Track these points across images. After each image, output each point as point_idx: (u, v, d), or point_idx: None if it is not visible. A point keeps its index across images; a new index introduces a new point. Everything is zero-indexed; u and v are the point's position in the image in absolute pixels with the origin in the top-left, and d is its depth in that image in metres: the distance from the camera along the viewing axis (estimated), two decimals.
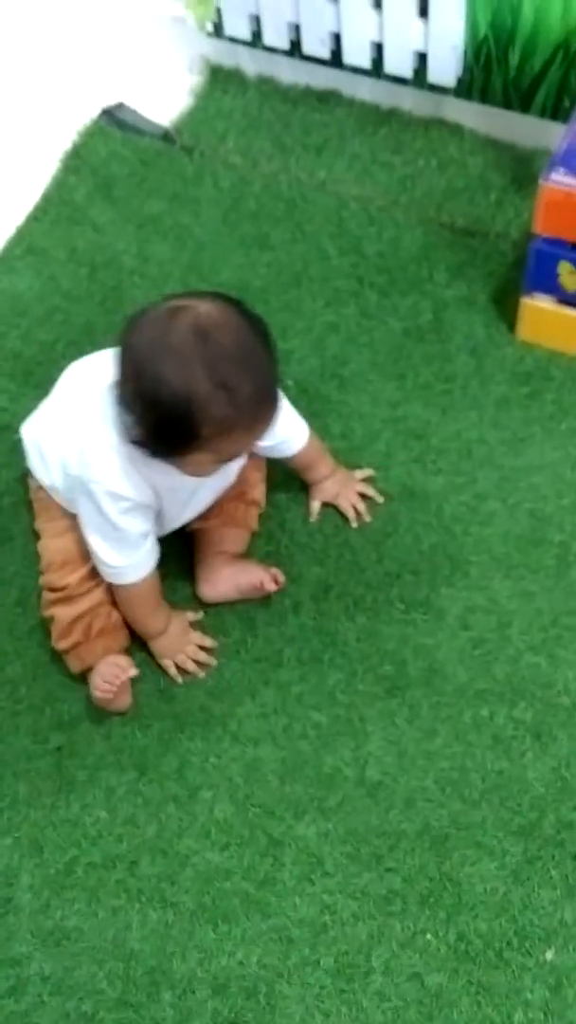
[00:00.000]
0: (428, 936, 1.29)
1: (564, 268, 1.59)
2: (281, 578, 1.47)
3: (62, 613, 1.42)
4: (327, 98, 2.04)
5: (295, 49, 2.00)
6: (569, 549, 1.54)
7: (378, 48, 1.92)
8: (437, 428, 1.66)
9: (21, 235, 1.91)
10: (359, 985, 1.26)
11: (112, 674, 1.38)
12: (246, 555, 1.53)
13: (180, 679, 1.46)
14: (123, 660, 1.40)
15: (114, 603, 1.44)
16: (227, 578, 1.49)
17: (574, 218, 1.53)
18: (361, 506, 1.57)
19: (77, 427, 1.36)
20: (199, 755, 1.41)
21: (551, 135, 1.85)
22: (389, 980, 1.26)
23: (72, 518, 1.44)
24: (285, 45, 2.00)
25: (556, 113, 1.88)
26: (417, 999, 1.25)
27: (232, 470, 1.45)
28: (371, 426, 1.66)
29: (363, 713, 1.43)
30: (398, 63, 1.91)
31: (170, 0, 2.03)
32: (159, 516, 1.40)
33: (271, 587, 1.46)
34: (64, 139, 2.03)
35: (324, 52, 1.97)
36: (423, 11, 1.82)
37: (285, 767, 1.40)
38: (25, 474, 1.56)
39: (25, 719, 1.45)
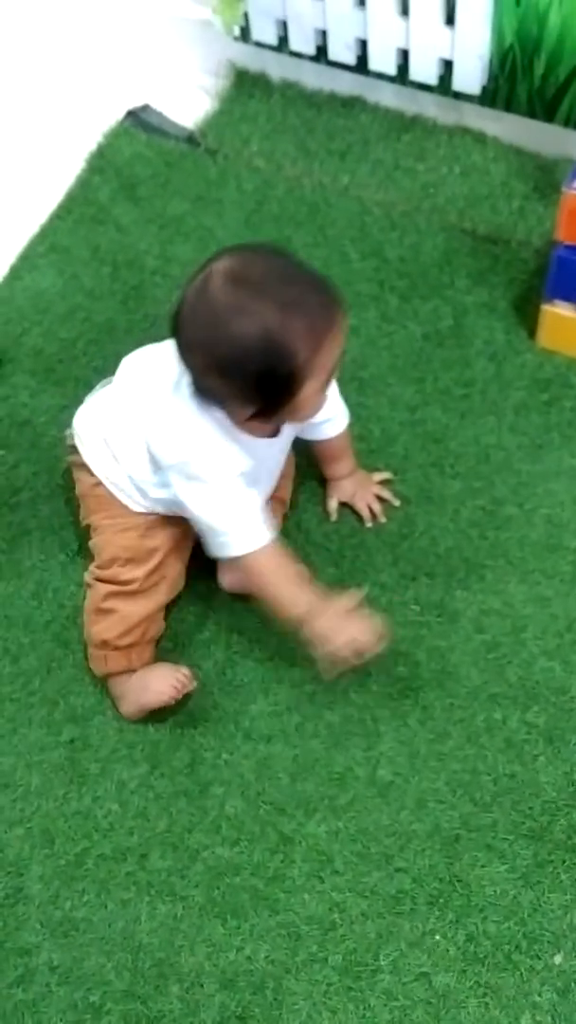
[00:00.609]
0: (437, 937, 1.29)
1: None
2: None
3: (130, 608, 1.40)
4: (352, 104, 2.05)
5: (321, 54, 2.01)
6: None
7: (404, 55, 1.93)
8: (455, 432, 1.66)
9: (45, 233, 1.93)
10: (366, 983, 1.26)
11: (179, 679, 1.39)
12: None
13: (328, 676, 1.36)
14: (186, 669, 1.41)
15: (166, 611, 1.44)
16: None
17: None
18: (377, 507, 1.57)
19: (158, 419, 1.34)
20: (211, 751, 1.42)
21: (575, 144, 1.86)
22: (397, 979, 1.26)
23: (137, 515, 1.43)
24: (311, 50, 2.01)
25: None
26: (424, 999, 1.25)
27: (286, 436, 1.42)
28: (390, 429, 1.67)
29: (376, 713, 1.43)
30: (423, 70, 1.93)
31: (198, 4, 2.05)
32: None
33: None
34: (90, 139, 2.05)
35: (350, 58, 1.98)
36: (449, 19, 1.83)
37: (297, 765, 1.40)
38: (62, 469, 1.55)
39: (39, 711, 1.46)
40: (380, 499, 1.58)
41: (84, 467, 1.46)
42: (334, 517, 1.58)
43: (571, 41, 1.76)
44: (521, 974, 1.26)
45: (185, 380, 1.29)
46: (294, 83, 2.09)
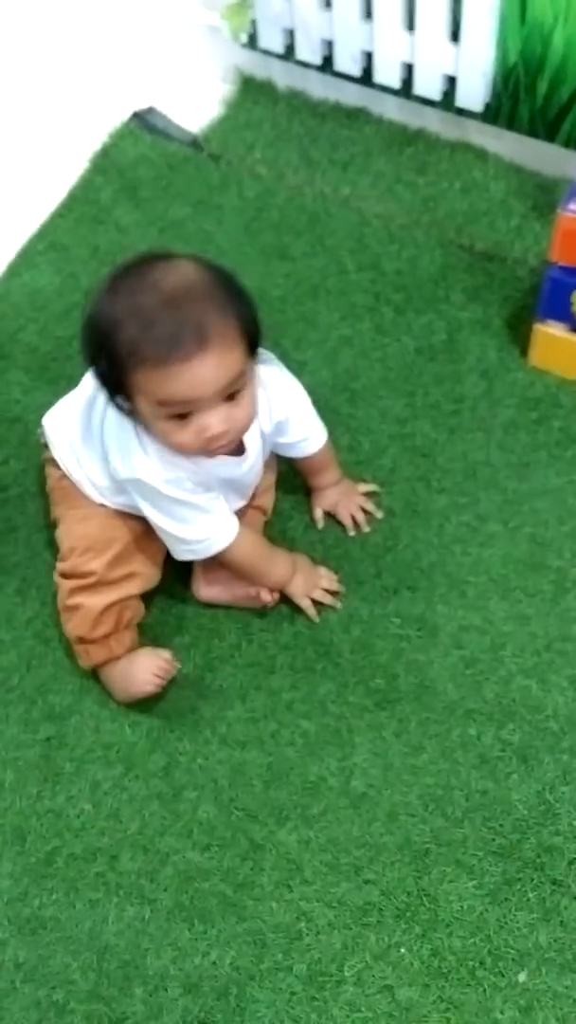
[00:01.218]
0: (402, 950, 1.29)
1: None
2: (277, 595, 1.49)
3: (92, 601, 1.40)
4: (356, 115, 2.06)
5: (327, 65, 2.02)
6: (567, 575, 1.54)
7: (408, 69, 1.94)
8: (444, 447, 1.67)
9: (44, 231, 1.93)
10: (330, 994, 1.27)
11: (160, 667, 1.40)
12: None
13: (317, 617, 1.50)
14: (167, 653, 1.42)
15: (142, 597, 1.44)
16: (224, 580, 1.49)
17: None
18: (360, 517, 1.58)
19: (112, 430, 1.36)
20: (186, 755, 1.42)
21: (575, 165, 1.87)
22: (360, 991, 1.27)
23: (97, 506, 1.44)
24: (317, 60, 2.02)
25: None
26: (387, 1012, 1.26)
27: (254, 457, 1.42)
28: (379, 441, 1.68)
29: (352, 724, 1.44)
30: (427, 85, 1.93)
31: (206, 10, 2.06)
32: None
33: (267, 599, 1.48)
34: (94, 140, 2.06)
35: (355, 69, 1.99)
36: (454, 35, 1.84)
37: (271, 772, 1.40)
38: (41, 465, 1.56)
39: (16, 708, 1.46)
40: (364, 510, 1.59)
41: (53, 461, 1.49)
42: (320, 525, 1.59)
43: (575, 61, 1.77)
44: (484, 990, 1.27)
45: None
46: (299, 92, 2.10)
